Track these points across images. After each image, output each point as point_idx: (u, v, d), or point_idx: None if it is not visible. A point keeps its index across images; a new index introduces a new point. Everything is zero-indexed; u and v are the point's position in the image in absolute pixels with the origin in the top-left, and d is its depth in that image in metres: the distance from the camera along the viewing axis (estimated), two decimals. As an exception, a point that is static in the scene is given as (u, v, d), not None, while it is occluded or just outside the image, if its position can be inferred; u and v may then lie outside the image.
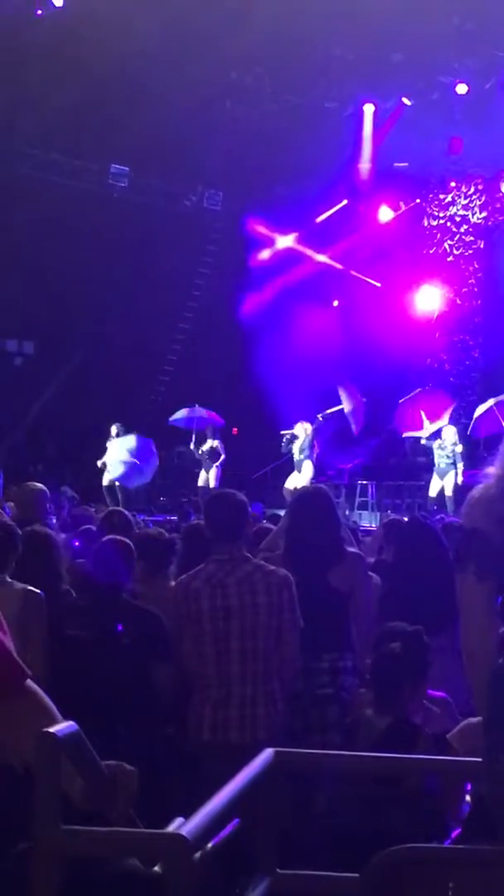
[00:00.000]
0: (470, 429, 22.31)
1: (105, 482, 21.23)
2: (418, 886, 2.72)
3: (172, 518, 15.95)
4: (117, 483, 20.99)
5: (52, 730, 2.52)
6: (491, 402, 21.68)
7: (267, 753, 3.39)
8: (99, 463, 21.20)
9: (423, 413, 22.32)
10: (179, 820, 2.71)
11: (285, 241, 27.33)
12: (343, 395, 22.44)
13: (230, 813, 2.86)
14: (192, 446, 22.69)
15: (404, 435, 23.64)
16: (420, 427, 22.35)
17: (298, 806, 4.97)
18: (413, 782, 4.59)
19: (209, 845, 2.71)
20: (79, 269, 23.89)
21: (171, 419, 22.98)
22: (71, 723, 2.58)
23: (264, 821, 3.37)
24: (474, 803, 4.42)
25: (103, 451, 21.43)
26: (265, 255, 26.85)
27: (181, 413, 22.94)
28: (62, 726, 2.55)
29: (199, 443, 22.60)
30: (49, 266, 23.54)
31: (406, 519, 9.39)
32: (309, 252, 27.39)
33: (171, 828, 2.63)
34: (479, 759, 3.19)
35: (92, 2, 21.69)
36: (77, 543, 8.88)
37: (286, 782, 3.84)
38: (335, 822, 4.57)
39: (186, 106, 22.85)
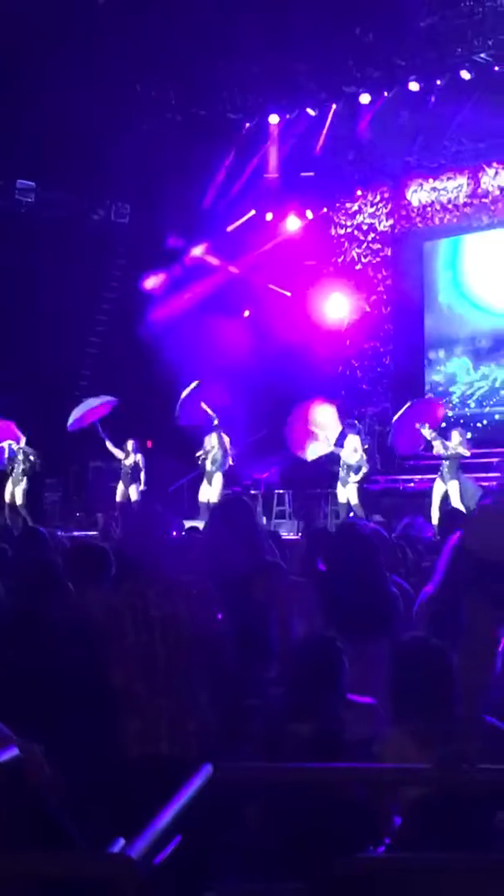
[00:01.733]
0: (390, 440, 22.37)
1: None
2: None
3: (91, 534, 15.89)
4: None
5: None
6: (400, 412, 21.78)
7: (205, 768, 3.39)
8: None
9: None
10: (121, 840, 2.70)
11: (194, 252, 27.32)
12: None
13: (172, 830, 2.87)
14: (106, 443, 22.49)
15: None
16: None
17: (235, 818, 4.97)
18: (345, 791, 4.61)
19: (154, 864, 2.71)
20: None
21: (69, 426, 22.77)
22: None
23: (206, 835, 3.38)
24: (405, 811, 4.46)
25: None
26: (153, 282, 26.72)
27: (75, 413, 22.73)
28: None
29: (116, 442, 22.41)
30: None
31: (331, 528, 9.42)
32: (218, 263, 27.41)
33: (115, 848, 2.62)
34: (411, 767, 3.25)
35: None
36: None
37: (225, 795, 3.85)
38: (271, 833, 4.58)
39: (92, 119, 22.77)
